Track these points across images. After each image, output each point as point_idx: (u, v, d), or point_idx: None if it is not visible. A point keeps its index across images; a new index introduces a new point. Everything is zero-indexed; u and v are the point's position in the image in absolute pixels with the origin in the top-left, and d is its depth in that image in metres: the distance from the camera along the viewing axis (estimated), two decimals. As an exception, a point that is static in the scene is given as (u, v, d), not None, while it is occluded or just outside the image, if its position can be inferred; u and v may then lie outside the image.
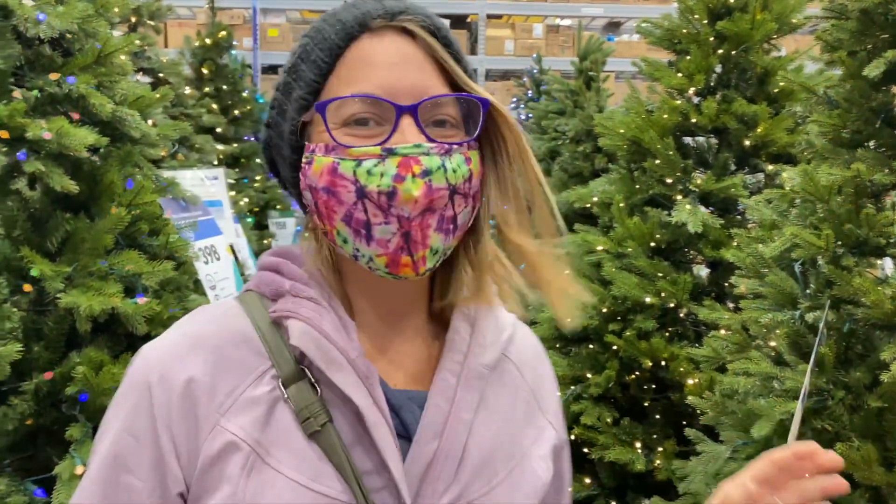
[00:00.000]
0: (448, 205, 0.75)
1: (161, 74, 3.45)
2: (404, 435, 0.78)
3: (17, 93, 1.69)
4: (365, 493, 0.74)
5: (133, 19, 3.44)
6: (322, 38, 0.78)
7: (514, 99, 6.20)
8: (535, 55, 6.09)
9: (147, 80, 3.45)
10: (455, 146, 0.76)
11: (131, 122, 1.82)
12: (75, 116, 1.74)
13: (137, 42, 2.24)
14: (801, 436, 1.61)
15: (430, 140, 0.74)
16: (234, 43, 5.18)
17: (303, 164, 0.79)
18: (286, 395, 0.75)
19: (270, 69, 7.35)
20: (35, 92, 1.72)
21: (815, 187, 1.67)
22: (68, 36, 1.81)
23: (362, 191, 0.73)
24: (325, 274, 0.81)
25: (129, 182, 1.84)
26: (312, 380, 0.76)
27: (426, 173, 0.73)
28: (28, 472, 1.65)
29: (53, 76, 1.73)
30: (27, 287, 1.63)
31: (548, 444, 0.87)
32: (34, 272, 1.61)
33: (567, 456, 0.92)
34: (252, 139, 5.19)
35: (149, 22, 3.50)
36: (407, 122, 0.74)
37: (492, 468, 0.80)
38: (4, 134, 1.61)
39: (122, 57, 1.95)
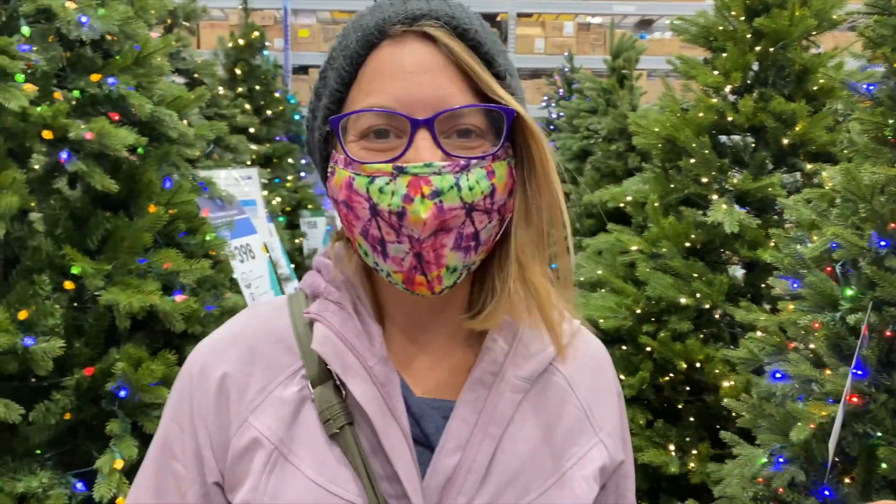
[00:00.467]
0: (466, 222, 0.72)
1: (196, 75, 3.49)
2: (426, 444, 0.76)
3: (58, 94, 1.72)
4: (380, 499, 0.73)
5: (169, 21, 3.49)
6: (345, 46, 0.76)
7: (545, 97, 6.16)
8: (566, 53, 6.05)
9: (182, 80, 3.50)
10: (474, 160, 0.72)
11: (169, 122, 1.85)
12: (115, 117, 1.77)
13: (173, 43, 2.26)
14: (841, 440, 1.59)
15: (448, 155, 0.71)
16: (267, 44, 5.23)
17: (328, 173, 0.78)
18: (313, 396, 0.76)
19: (301, 69, 7.41)
20: (76, 93, 1.75)
21: (857, 186, 1.64)
22: (108, 38, 1.84)
23: (375, 208, 0.72)
24: (354, 279, 0.80)
25: (167, 181, 1.87)
26: (338, 382, 0.76)
27: (436, 194, 0.70)
28: (68, 466, 1.69)
29: (94, 77, 1.75)
30: (68, 284, 1.66)
31: (595, 463, 0.82)
32: (75, 270, 1.64)
33: (627, 474, 0.87)
34: (284, 139, 5.24)
35: (184, 23, 3.55)
36: (422, 137, 0.71)
37: (522, 486, 0.76)
38: (48, 134, 1.64)
39: (160, 58, 1.98)
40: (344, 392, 0.76)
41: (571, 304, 0.80)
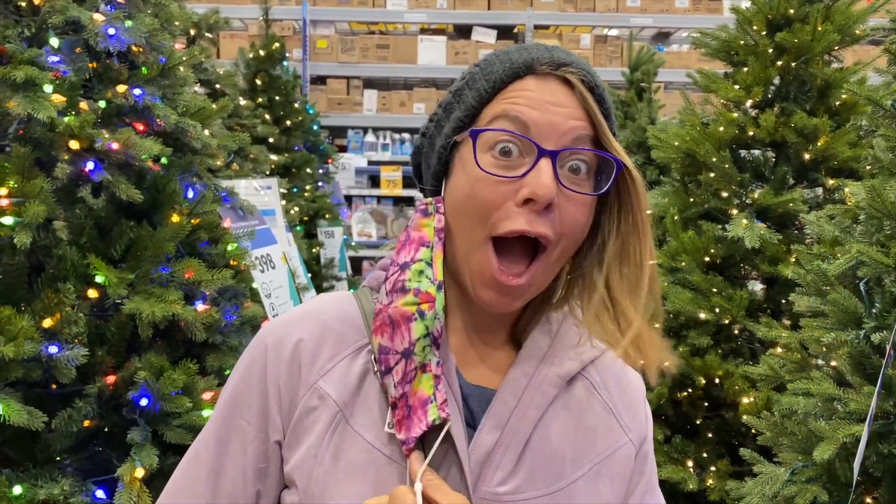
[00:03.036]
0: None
1: (217, 86, 3.52)
2: (470, 423, 0.84)
3: (84, 104, 1.74)
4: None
5: (193, 32, 3.52)
6: (489, 71, 0.85)
7: (562, 110, 6.15)
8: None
9: (203, 91, 3.53)
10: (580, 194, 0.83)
11: (193, 132, 1.87)
12: (140, 127, 1.79)
13: (197, 54, 2.29)
14: (865, 459, 1.57)
15: (563, 187, 0.81)
16: (287, 55, 5.26)
17: (447, 177, 0.87)
18: (375, 369, 0.84)
19: (319, 80, 7.45)
20: (103, 103, 1.77)
21: (882, 203, 1.63)
22: (135, 49, 1.87)
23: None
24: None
25: (190, 191, 1.88)
26: None
27: None
28: (87, 473, 1.69)
29: (121, 88, 1.78)
30: (92, 293, 1.68)
31: (621, 463, 0.90)
32: (99, 278, 1.65)
33: (648, 454, 0.95)
34: (303, 149, 5.26)
35: (206, 34, 3.59)
36: (545, 164, 0.80)
37: (555, 472, 0.84)
38: (75, 144, 1.66)
39: (184, 69, 2.00)
40: None
41: (666, 350, 0.87)
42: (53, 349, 1.56)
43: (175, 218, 1.79)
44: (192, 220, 1.84)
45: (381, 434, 0.83)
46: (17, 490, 1.55)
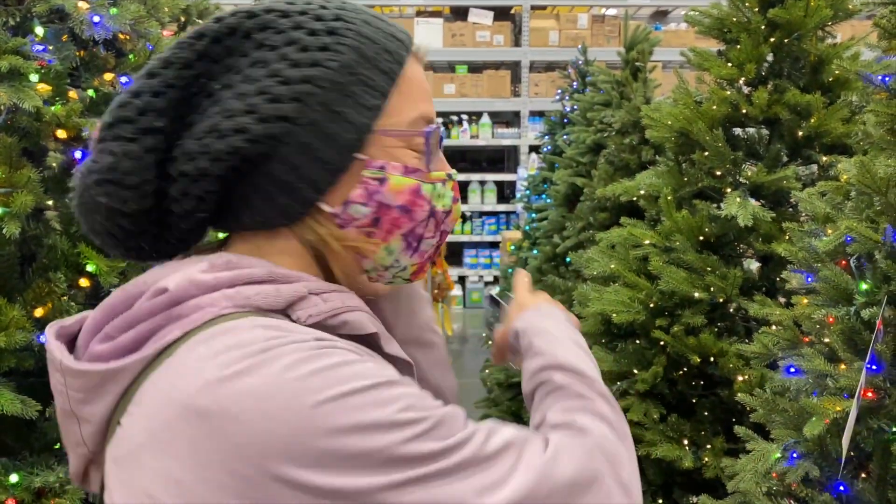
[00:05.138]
0: None
1: (210, 72, 3.50)
2: None
3: (72, 93, 1.74)
4: None
5: (183, 18, 3.50)
6: (384, 50, 0.78)
7: (559, 91, 6.12)
8: (580, 46, 6.01)
9: (196, 77, 3.51)
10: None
11: (182, 120, 1.86)
12: (128, 115, 1.79)
13: (187, 41, 2.27)
14: (855, 435, 1.57)
15: None
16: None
17: (365, 178, 0.76)
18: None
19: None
20: (90, 92, 1.77)
21: (871, 179, 1.62)
22: (121, 37, 1.86)
23: (433, 210, 0.82)
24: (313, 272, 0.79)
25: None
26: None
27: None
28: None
29: (108, 76, 1.77)
30: (84, 282, 1.69)
31: None
32: (90, 267, 1.66)
33: None
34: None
35: (197, 21, 3.56)
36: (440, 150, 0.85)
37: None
38: (62, 133, 1.66)
39: (173, 56, 1.99)
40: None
41: None
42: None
43: (165, 206, 1.79)
44: (183, 208, 1.84)
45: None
46: (14, 478, 1.56)
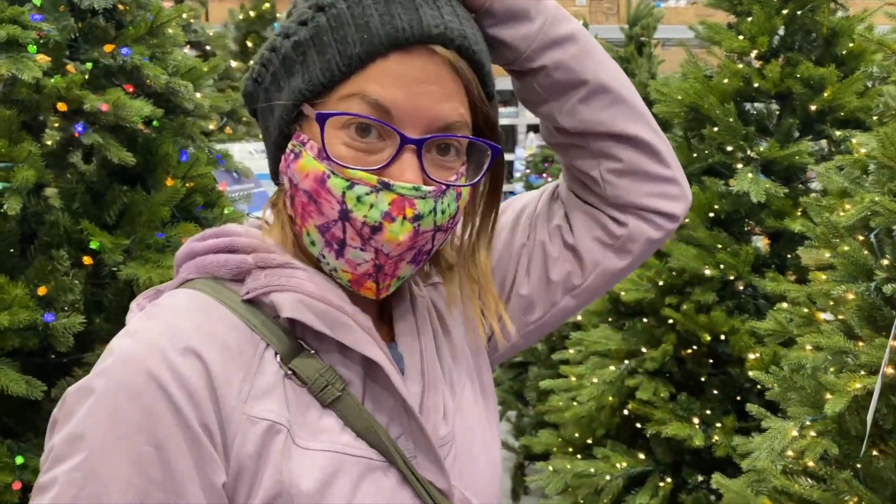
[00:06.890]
0: (430, 241, 0.75)
1: (207, 47, 3.44)
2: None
3: (71, 66, 1.68)
4: (396, 447, 0.74)
5: (181, -10, 3.43)
6: (343, 40, 0.71)
7: (559, 68, 6.05)
8: (580, 23, 5.93)
9: (194, 53, 3.45)
10: (449, 187, 0.75)
11: (184, 93, 1.81)
12: (129, 89, 1.73)
13: (185, 15, 2.21)
14: (876, 412, 1.55)
15: (430, 179, 0.73)
16: (278, 15, 5.16)
17: (288, 150, 0.75)
18: (290, 372, 0.72)
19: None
20: (90, 64, 1.71)
21: (894, 151, 1.58)
22: (120, 7, 1.80)
23: (347, 214, 0.71)
24: (289, 249, 0.78)
25: (184, 154, 1.83)
26: (311, 350, 0.74)
27: (417, 218, 0.71)
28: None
29: (108, 48, 1.71)
30: (87, 259, 1.64)
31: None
32: (93, 245, 1.61)
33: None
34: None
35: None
36: (409, 156, 0.71)
37: (452, 384, 0.85)
38: (62, 106, 1.60)
39: (174, 28, 1.93)
40: (321, 358, 0.74)
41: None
42: (50, 317, 1.52)
43: (169, 182, 1.74)
44: (187, 184, 1.79)
45: (329, 436, 0.72)
46: (19, 460, 1.53)
